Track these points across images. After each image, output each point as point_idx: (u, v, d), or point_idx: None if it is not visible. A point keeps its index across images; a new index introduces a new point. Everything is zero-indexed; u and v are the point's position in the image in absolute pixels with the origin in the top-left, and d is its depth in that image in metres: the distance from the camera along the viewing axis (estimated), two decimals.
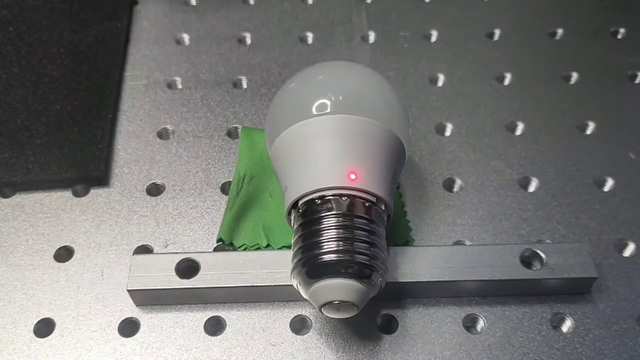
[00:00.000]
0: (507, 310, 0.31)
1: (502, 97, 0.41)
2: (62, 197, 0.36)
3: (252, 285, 0.30)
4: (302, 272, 0.27)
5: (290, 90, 0.32)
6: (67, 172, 0.36)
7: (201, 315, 0.31)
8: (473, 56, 0.44)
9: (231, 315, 0.31)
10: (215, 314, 0.31)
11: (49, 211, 0.35)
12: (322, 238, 0.27)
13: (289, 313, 0.31)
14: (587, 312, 0.31)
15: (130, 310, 0.31)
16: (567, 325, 0.31)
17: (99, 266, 0.33)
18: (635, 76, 0.43)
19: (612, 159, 0.38)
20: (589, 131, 0.40)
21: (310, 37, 0.46)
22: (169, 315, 0.31)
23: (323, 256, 0.27)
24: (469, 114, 0.40)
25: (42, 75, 0.41)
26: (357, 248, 0.27)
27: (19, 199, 0.36)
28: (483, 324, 0.31)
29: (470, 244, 0.34)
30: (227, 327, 0.31)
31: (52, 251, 0.34)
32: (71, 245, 0.34)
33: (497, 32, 0.46)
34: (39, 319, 0.31)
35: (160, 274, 0.31)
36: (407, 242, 0.33)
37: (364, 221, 0.28)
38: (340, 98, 0.30)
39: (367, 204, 0.28)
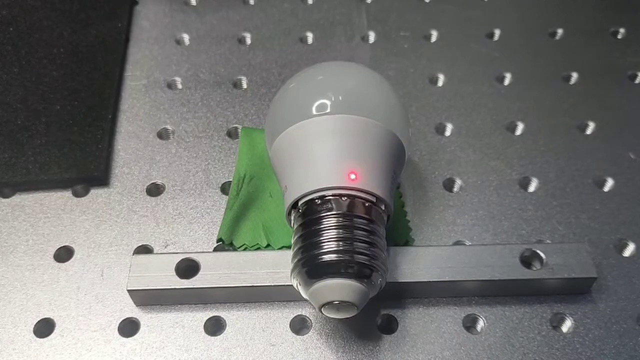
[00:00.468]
0: (507, 310, 0.31)
1: (502, 97, 0.41)
2: (62, 197, 0.36)
3: (252, 286, 0.30)
4: (302, 272, 0.27)
5: (290, 90, 0.32)
6: (67, 172, 0.36)
7: (201, 315, 0.31)
8: (473, 56, 0.44)
9: (231, 315, 0.31)
10: (215, 314, 0.31)
11: (49, 211, 0.35)
12: (322, 238, 0.27)
13: (289, 313, 0.31)
14: (587, 312, 0.31)
15: (130, 310, 0.31)
16: (567, 325, 0.31)
17: (99, 266, 0.33)
18: (635, 76, 0.43)
19: (612, 159, 0.38)
20: (589, 131, 0.40)
21: (310, 37, 0.46)
22: (169, 315, 0.31)
23: (323, 256, 0.27)
24: (469, 114, 0.40)
25: (42, 75, 0.41)
26: (357, 248, 0.27)
27: (19, 199, 0.36)
28: (483, 324, 0.31)
29: (470, 244, 0.34)
30: (227, 327, 0.31)
31: (52, 251, 0.34)
32: (71, 245, 0.34)
33: (497, 32, 0.46)
34: (39, 319, 0.31)
35: (160, 274, 0.31)
36: (407, 242, 0.33)
37: (364, 221, 0.28)
38: (340, 98, 0.30)
39: (367, 204, 0.28)
